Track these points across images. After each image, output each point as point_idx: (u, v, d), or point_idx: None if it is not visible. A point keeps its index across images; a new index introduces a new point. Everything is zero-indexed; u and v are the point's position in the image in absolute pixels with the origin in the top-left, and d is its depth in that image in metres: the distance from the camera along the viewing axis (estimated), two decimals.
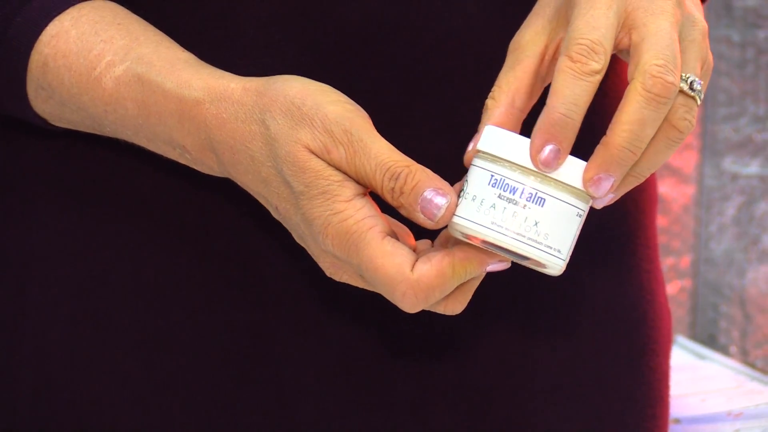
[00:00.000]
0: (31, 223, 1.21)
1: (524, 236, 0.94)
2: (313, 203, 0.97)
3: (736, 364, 2.30)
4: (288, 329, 1.16)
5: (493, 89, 1.00)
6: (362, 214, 0.95)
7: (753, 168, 2.46)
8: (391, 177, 0.95)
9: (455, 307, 0.98)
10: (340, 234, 0.95)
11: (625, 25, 0.96)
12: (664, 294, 1.34)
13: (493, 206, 0.92)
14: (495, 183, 0.94)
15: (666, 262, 1.71)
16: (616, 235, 1.22)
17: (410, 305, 0.95)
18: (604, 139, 0.93)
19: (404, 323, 1.13)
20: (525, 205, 0.93)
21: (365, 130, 0.96)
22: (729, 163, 2.48)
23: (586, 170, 0.92)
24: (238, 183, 1.04)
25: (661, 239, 1.53)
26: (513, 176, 0.94)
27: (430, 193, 0.93)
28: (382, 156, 0.95)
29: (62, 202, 1.18)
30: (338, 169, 0.96)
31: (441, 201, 0.94)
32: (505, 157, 0.94)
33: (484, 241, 0.94)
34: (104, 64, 1.06)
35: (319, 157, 0.96)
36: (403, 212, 0.96)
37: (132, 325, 1.18)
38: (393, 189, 0.95)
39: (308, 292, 1.15)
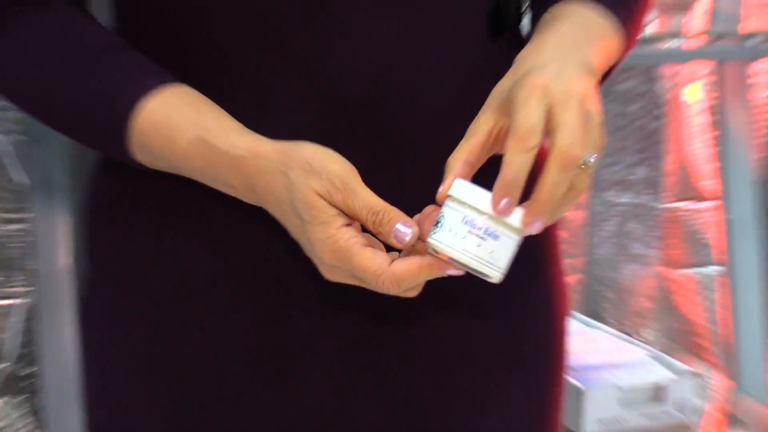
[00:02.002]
0: (133, 240, 1.37)
1: (482, 259, 1.14)
2: (315, 230, 1.16)
3: (613, 331, 2.72)
4: (303, 318, 1.30)
5: (453, 153, 1.17)
6: (349, 235, 1.14)
7: (625, 198, 2.94)
8: (373, 214, 1.14)
9: (414, 292, 1.17)
10: (334, 250, 1.15)
11: (548, 116, 1.13)
12: (565, 282, 1.51)
13: (464, 238, 1.13)
14: (466, 222, 1.14)
15: (566, 262, 1.66)
16: (535, 244, 1.35)
17: (388, 289, 1.14)
18: (533, 197, 1.14)
19: (389, 315, 1.31)
20: (485, 238, 1.13)
21: (356, 181, 1.15)
22: (609, 195, 3.00)
23: (524, 217, 1.13)
24: (269, 212, 1.22)
25: (563, 246, 1.67)
26: (479, 219, 1.13)
27: (401, 225, 1.13)
28: (368, 200, 1.14)
29: (156, 222, 1.35)
30: (336, 207, 1.15)
31: (408, 230, 1.13)
32: (474, 205, 1.14)
33: (452, 259, 1.16)
34: (180, 131, 1.24)
35: (323, 199, 1.15)
36: (381, 238, 1.16)
37: (207, 325, 1.32)
38: (374, 222, 1.13)
39: (317, 287, 1.27)
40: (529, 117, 1.12)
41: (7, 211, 2.15)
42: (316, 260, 1.19)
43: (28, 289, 2.19)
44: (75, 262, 2.01)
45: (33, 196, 2.07)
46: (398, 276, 1.14)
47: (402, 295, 1.17)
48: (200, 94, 1.27)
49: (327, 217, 1.15)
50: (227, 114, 1.25)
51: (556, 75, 1.17)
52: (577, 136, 1.13)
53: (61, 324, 2.07)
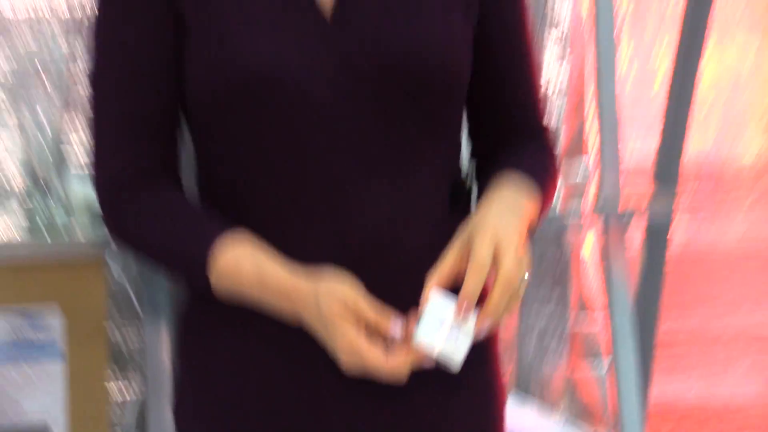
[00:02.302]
0: (209, 348, 1.55)
1: (451, 355, 1.30)
2: (335, 336, 1.34)
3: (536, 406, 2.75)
4: (335, 396, 1.45)
5: (430, 272, 1.35)
6: (357, 338, 1.32)
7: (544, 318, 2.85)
8: (375, 324, 1.32)
9: (404, 379, 1.33)
10: (346, 351, 1.33)
11: (495, 251, 1.33)
12: (503, 370, 1.59)
13: (436, 336, 1.31)
14: (441, 329, 1.32)
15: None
16: (485, 344, 1.50)
17: (383, 376, 1.31)
18: (484, 307, 1.31)
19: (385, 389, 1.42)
20: (450, 337, 1.31)
21: (362, 298, 1.32)
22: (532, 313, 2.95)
23: (478, 321, 1.31)
24: (307, 326, 1.38)
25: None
26: (447, 321, 1.32)
27: (394, 328, 1.32)
28: (372, 315, 1.33)
29: (226, 336, 1.52)
30: (349, 320, 1.32)
31: (397, 330, 1.32)
32: (443, 311, 1.32)
33: (426, 351, 1.33)
34: (245, 272, 1.42)
35: (340, 316, 1.33)
36: (381, 333, 1.33)
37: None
38: (377, 326, 1.33)
39: (340, 378, 1.41)
40: (483, 254, 1.32)
41: (124, 325, 2.32)
42: (338, 359, 1.34)
43: (141, 387, 2.32)
44: (172, 365, 1.94)
45: (144, 315, 2.15)
46: (390, 367, 1.31)
47: (396, 380, 1.32)
48: (256, 243, 1.41)
49: (343, 330, 1.33)
50: (276, 257, 1.40)
51: (500, 225, 1.36)
52: (515, 266, 1.32)
53: (166, 417, 2.08)
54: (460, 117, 1.53)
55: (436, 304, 1.32)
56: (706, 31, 2.25)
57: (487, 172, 1.52)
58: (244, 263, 1.42)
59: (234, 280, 1.43)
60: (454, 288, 1.34)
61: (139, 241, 1.51)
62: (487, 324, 1.35)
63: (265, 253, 1.42)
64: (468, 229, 1.37)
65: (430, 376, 1.40)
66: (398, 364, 1.32)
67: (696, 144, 2.54)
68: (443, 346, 1.31)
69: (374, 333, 1.33)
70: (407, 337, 1.32)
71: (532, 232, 1.47)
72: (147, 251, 1.52)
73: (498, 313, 1.34)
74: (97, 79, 1.48)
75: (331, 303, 1.35)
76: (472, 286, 1.32)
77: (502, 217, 1.39)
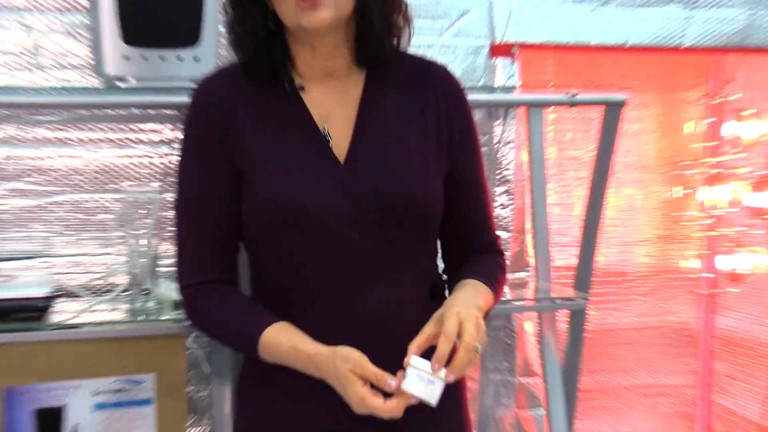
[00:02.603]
0: (257, 402, 1.50)
1: (427, 394, 1.30)
2: (348, 389, 1.30)
3: None
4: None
5: (411, 343, 1.32)
6: (364, 390, 1.29)
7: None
8: (376, 379, 1.29)
9: (399, 415, 1.29)
10: (356, 399, 1.29)
11: (459, 327, 1.30)
12: (467, 405, 1.56)
13: (418, 384, 1.30)
14: (418, 376, 1.30)
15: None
16: (454, 387, 1.44)
17: (383, 415, 1.29)
18: (451, 366, 1.29)
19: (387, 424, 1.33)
20: (428, 384, 1.30)
21: (367, 363, 1.30)
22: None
23: (446, 373, 1.30)
24: (328, 382, 1.34)
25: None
26: (424, 374, 1.29)
27: (389, 384, 1.29)
28: (373, 375, 1.29)
29: (273, 391, 1.47)
30: (357, 376, 1.30)
31: (393, 383, 1.28)
32: (422, 368, 1.29)
33: (411, 394, 1.30)
34: (283, 345, 1.38)
35: (353, 373, 1.30)
36: (380, 387, 1.29)
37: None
38: (377, 381, 1.29)
39: (354, 418, 1.35)
40: (450, 327, 1.31)
41: (198, 383, 2.21)
42: (350, 404, 1.32)
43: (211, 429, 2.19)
44: (232, 412, 1.96)
45: (212, 376, 2.09)
46: (388, 409, 1.29)
47: (393, 417, 1.30)
48: (290, 326, 1.38)
49: (353, 382, 1.31)
50: (303, 334, 1.38)
51: (463, 309, 1.33)
52: (473, 336, 1.31)
53: None
54: (435, 236, 1.51)
55: (416, 362, 1.30)
56: (610, 172, 2.22)
57: (457, 275, 1.49)
58: (282, 340, 1.39)
59: (274, 352, 1.40)
60: (432, 348, 1.33)
61: (209, 326, 1.48)
62: (453, 375, 1.32)
63: (296, 333, 1.39)
64: (441, 311, 1.35)
65: (416, 411, 1.36)
66: (393, 407, 1.30)
67: (604, 253, 2.54)
68: (423, 391, 1.30)
69: (376, 387, 1.31)
70: (399, 389, 1.30)
71: (488, 314, 1.44)
72: (215, 333, 1.48)
73: (462, 368, 1.32)
74: (179, 210, 1.47)
75: (345, 366, 1.31)
76: (443, 349, 1.30)
77: (465, 304, 1.36)
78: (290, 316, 1.41)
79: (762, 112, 2.61)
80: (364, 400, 1.29)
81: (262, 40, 1.37)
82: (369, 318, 1.40)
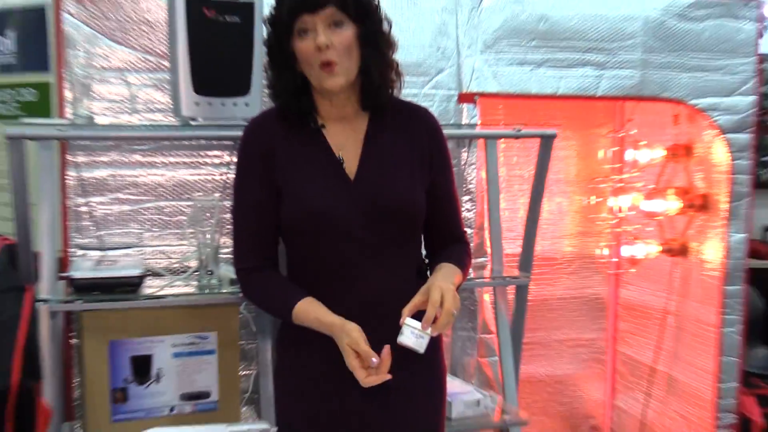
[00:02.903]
0: (288, 353, 1.46)
1: (418, 345, 1.29)
2: (345, 356, 1.32)
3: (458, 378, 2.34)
4: (351, 386, 1.35)
5: (405, 307, 1.31)
6: (355, 362, 1.30)
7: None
8: (364, 356, 1.29)
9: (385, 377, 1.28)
10: (349, 367, 1.30)
11: (441, 296, 1.29)
12: (443, 355, 1.51)
13: (410, 337, 1.29)
14: (411, 333, 1.29)
15: None
16: (435, 341, 1.38)
17: (363, 384, 1.29)
18: (434, 326, 1.29)
19: (386, 389, 1.34)
20: (418, 337, 1.29)
21: (361, 343, 1.29)
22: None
23: (432, 330, 1.29)
24: (335, 339, 1.32)
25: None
26: (416, 331, 1.28)
27: (372, 360, 1.29)
28: (363, 351, 1.29)
29: (299, 345, 1.43)
30: (352, 351, 1.30)
31: (375, 361, 1.28)
32: (414, 326, 1.28)
33: (406, 345, 1.28)
34: (309, 315, 1.37)
35: (350, 347, 1.30)
36: (364, 361, 1.29)
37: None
38: (364, 357, 1.29)
39: (351, 377, 1.32)
40: (435, 297, 1.30)
41: (247, 338, 2.03)
42: (349, 367, 1.33)
43: (256, 371, 2.02)
44: (272, 360, 1.84)
45: (257, 335, 1.97)
46: (368, 382, 1.30)
47: (366, 385, 1.29)
48: (314, 300, 1.36)
49: (348, 354, 1.32)
50: (323, 307, 1.36)
51: (443, 284, 1.32)
52: (452, 304, 1.30)
53: (269, 387, 1.80)
54: (420, 232, 1.51)
55: (410, 322, 1.29)
56: (545, 185, 2.18)
57: (436, 260, 1.47)
58: (309, 311, 1.38)
59: (303, 320, 1.39)
60: (420, 314, 1.32)
61: (256, 298, 1.47)
62: (436, 332, 1.32)
63: (319, 306, 1.37)
64: (426, 286, 1.34)
65: (411, 359, 1.34)
66: (372, 381, 1.30)
67: (541, 243, 2.48)
68: (415, 343, 1.30)
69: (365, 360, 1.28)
70: (379, 365, 1.29)
71: (458, 288, 1.42)
72: (260, 303, 1.48)
73: (443, 327, 1.31)
74: (235, 214, 1.44)
75: (345, 340, 1.31)
76: (430, 312, 1.30)
77: (444, 280, 1.34)
78: (315, 292, 1.39)
79: (652, 143, 2.60)
80: (354, 370, 1.30)
81: (294, 93, 1.37)
82: (373, 293, 1.39)
